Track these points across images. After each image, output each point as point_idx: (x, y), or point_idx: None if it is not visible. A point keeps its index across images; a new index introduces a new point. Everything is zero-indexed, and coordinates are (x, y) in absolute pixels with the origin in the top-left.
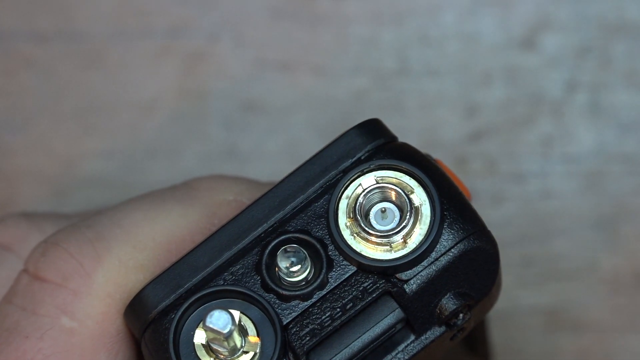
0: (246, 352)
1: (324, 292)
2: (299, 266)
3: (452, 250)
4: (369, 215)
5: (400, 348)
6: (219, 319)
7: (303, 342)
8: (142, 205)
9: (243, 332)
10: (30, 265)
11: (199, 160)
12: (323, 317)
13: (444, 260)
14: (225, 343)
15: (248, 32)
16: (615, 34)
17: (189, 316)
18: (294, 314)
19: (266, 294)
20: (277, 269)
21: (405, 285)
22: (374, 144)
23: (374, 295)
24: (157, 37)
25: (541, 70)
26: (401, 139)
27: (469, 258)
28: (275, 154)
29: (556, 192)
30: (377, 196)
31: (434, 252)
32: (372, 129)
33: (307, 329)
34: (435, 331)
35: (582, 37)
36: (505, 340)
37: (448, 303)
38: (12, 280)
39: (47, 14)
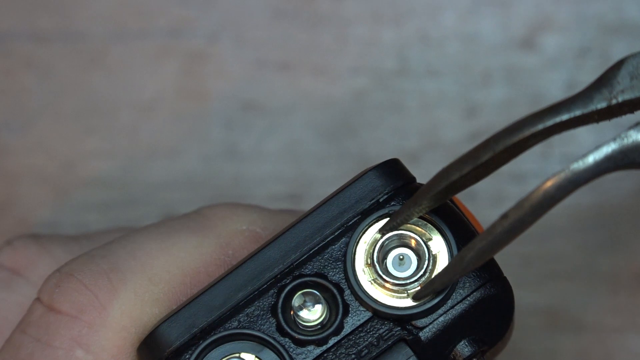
0: None
1: (339, 337)
2: (315, 311)
3: (469, 298)
4: (386, 261)
5: None
6: None
7: None
8: (156, 236)
9: None
10: (44, 295)
11: (199, 160)
12: None
13: (460, 308)
14: None
15: (248, 32)
16: (615, 34)
17: (203, 357)
18: (309, 359)
19: (281, 338)
20: (292, 312)
21: (420, 333)
22: (393, 186)
23: (389, 342)
24: (157, 37)
25: (541, 70)
26: (401, 139)
27: (485, 305)
28: (275, 154)
29: None
30: (395, 242)
31: (450, 300)
32: (391, 171)
33: None
34: None
35: (582, 37)
36: None
37: (463, 350)
38: (23, 306)
39: (47, 14)
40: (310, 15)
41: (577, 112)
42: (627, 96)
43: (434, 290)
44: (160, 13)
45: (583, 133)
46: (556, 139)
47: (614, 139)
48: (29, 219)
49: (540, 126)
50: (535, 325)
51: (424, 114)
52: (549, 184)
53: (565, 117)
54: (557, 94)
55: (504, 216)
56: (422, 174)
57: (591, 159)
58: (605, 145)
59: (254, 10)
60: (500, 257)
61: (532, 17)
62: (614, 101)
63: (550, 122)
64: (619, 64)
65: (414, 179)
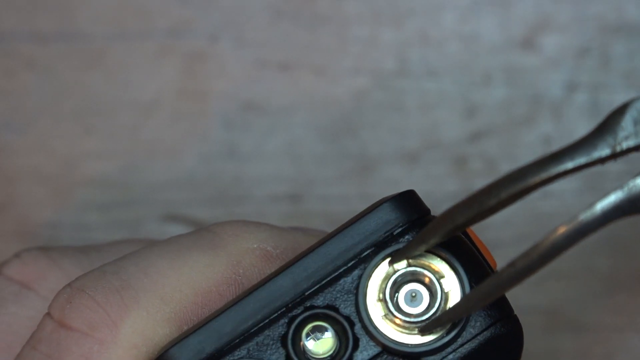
0: None
1: None
2: (325, 343)
3: (478, 337)
4: (397, 296)
5: None
6: None
7: None
8: (167, 254)
9: None
10: (55, 311)
11: (199, 160)
12: None
13: (469, 346)
14: None
15: (248, 33)
16: (614, 34)
17: None
18: None
19: None
20: (302, 343)
21: None
22: (407, 219)
23: None
24: (157, 37)
25: (541, 70)
26: (401, 139)
27: (494, 344)
28: (275, 154)
29: (556, 192)
30: (407, 278)
31: (460, 338)
32: (406, 203)
33: None
34: None
35: (582, 37)
36: None
37: None
38: (34, 321)
39: (47, 14)
40: (310, 15)
41: (582, 161)
42: (632, 143)
43: (440, 325)
44: (160, 13)
45: (582, 132)
46: (556, 139)
47: (622, 188)
48: (29, 219)
49: (544, 175)
50: (535, 325)
51: (424, 114)
52: (557, 233)
53: (569, 165)
54: (557, 94)
55: (511, 264)
56: (422, 174)
57: (599, 208)
58: (613, 194)
59: (254, 10)
60: (501, 258)
61: (532, 17)
62: (618, 148)
63: (554, 172)
64: (623, 108)
65: (428, 211)
